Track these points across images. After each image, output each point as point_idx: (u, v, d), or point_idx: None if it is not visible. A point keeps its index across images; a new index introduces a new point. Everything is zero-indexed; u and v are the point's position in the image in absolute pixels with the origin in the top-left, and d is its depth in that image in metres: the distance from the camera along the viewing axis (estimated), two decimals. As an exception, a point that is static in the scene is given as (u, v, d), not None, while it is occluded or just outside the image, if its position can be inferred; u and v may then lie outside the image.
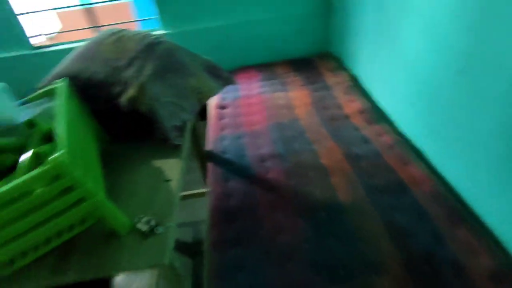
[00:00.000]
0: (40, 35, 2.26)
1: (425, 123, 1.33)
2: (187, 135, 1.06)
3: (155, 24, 2.20)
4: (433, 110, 1.25)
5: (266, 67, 2.20)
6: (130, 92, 0.91)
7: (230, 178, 1.32)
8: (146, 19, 2.35)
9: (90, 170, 0.73)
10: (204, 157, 1.49)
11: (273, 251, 1.02)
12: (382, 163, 1.30)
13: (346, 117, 1.62)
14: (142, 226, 0.74)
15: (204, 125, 1.74)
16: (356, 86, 1.85)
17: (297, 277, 0.95)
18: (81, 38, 2.28)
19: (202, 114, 1.77)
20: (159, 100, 0.93)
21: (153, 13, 2.18)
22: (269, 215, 1.13)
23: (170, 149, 0.95)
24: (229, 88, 2.01)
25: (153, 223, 0.74)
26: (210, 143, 1.55)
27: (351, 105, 1.69)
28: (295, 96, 1.83)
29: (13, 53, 2.04)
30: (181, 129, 0.97)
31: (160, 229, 0.74)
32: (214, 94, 1.12)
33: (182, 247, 1.63)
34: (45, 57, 2.09)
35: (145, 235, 0.73)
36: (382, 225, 1.05)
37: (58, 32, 3.00)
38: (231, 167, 1.38)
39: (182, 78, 1.03)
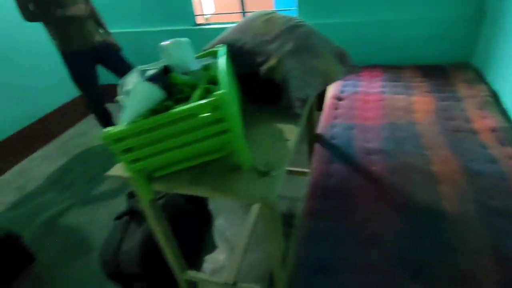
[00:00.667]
0: (200, 15, 2.74)
1: None
2: (307, 108, 1.19)
3: (293, 15, 2.40)
4: None
5: (392, 69, 2.15)
6: (271, 62, 1.09)
7: (334, 161, 1.40)
8: (286, 9, 2.58)
9: (236, 112, 0.93)
10: (313, 140, 1.60)
11: (360, 232, 1.07)
12: (506, 187, 1.17)
13: (473, 132, 1.48)
14: (260, 167, 0.91)
15: (319, 115, 1.85)
16: (494, 102, 1.65)
17: (378, 262, 0.98)
18: (230, 20, 2.67)
19: (319, 104, 1.88)
20: (291, 73, 1.08)
21: (293, 5, 2.37)
22: (364, 201, 1.17)
23: (291, 116, 1.10)
24: (349, 82, 2.08)
25: (269, 166, 0.90)
26: (321, 128, 1.66)
27: (483, 121, 1.53)
28: (417, 101, 1.76)
29: (181, 27, 2.57)
30: (304, 101, 1.11)
31: (273, 172, 0.89)
32: (338, 78, 1.21)
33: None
34: (203, 32, 2.55)
35: (262, 174, 0.90)
36: (488, 244, 0.98)
37: (213, 14, 3.54)
38: (337, 151, 1.46)
39: (313, 58, 1.16)
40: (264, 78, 1.12)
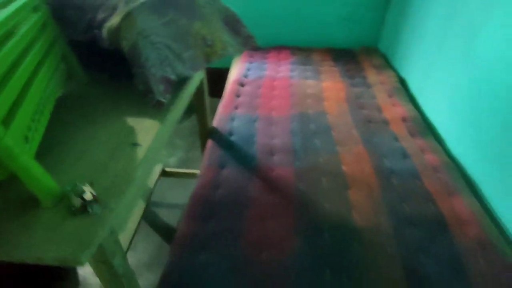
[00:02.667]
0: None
1: (486, 148, 1.02)
2: (184, 97, 0.83)
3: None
4: (499, 134, 0.95)
5: (301, 51, 1.93)
6: (114, 19, 0.69)
7: (226, 165, 1.08)
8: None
9: (17, 116, 0.51)
10: (206, 135, 1.25)
11: (247, 271, 0.77)
12: (420, 188, 1.01)
13: (385, 122, 1.33)
14: (74, 199, 0.51)
15: (216, 102, 1.50)
16: (402, 90, 1.55)
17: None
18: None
19: (215, 90, 1.54)
20: (148, 38, 0.70)
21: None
22: (258, 223, 0.88)
23: (151, 106, 0.72)
24: (254, 65, 1.78)
25: (89, 197, 0.51)
26: (218, 120, 1.31)
27: (393, 110, 1.40)
28: (328, 88, 1.55)
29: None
30: (171, 83, 0.74)
31: (96, 208, 0.51)
32: (227, 53, 0.87)
33: (162, 230, 1.42)
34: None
35: (73, 211, 0.51)
36: (401, 270, 0.77)
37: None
38: (233, 152, 1.14)
39: (188, 19, 0.79)
40: (107, 46, 0.71)
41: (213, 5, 0.86)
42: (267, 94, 1.51)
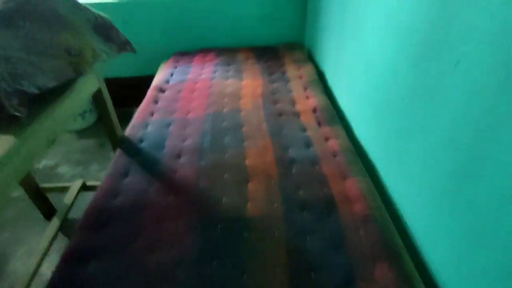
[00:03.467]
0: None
1: (378, 127, 1.08)
2: (59, 108, 0.82)
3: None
4: (387, 112, 1.01)
5: (227, 52, 1.95)
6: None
7: (130, 173, 1.08)
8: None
9: None
10: (116, 146, 1.24)
11: (137, 275, 0.77)
12: (316, 173, 1.05)
13: (296, 114, 1.37)
14: None
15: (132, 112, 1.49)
16: (319, 82, 1.60)
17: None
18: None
19: (142, 99, 1.53)
20: (-7, 53, 0.68)
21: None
22: (153, 225, 0.88)
23: (5, 119, 0.70)
24: (178, 69, 1.79)
25: None
26: (130, 128, 1.31)
27: (306, 102, 1.45)
28: (247, 85, 1.59)
29: None
30: (28, 96, 0.73)
31: None
32: (100, 59, 0.87)
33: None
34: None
35: None
36: (284, 252, 0.81)
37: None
38: (139, 158, 1.14)
39: (50, 30, 0.79)
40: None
41: (79, 14, 0.86)
42: (186, 97, 1.52)
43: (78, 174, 1.80)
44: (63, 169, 1.86)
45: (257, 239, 0.84)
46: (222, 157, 1.13)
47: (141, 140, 1.24)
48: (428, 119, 0.79)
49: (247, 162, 1.10)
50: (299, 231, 0.86)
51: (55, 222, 1.24)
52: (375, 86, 1.08)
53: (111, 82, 1.28)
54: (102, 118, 1.23)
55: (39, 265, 1.09)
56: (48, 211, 1.46)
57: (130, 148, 1.19)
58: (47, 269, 1.26)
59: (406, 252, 0.82)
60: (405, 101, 0.89)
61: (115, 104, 1.26)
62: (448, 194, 0.72)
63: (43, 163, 1.88)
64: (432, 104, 0.77)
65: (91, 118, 2.13)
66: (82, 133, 2.12)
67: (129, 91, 2.00)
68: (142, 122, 1.34)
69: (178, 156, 1.15)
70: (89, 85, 1.03)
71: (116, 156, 1.15)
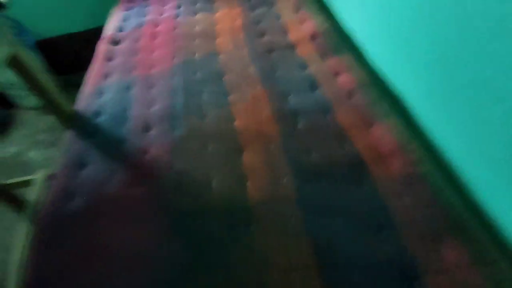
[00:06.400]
0: None
1: (410, 50, 0.78)
2: None
3: None
4: (432, 33, 0.70)
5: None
6: None
7: (88, 162, 0.81)
8: None
9: None
10: (66, 125, 0.95)
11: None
12: (330, 125, 0.79)
13: (291, 46, 1.05)
14: None
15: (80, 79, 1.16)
16: (313, -1, 1.24)
17: None
18: None
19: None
20: None
21: None
22: (114, 235, 0.65)
23: None
24: (133, 12, 1.40)
25: None
26: (81, 100, 1.00)
27: (301, 28, 1.11)
28: (221, 19, 1.23)
29: None
30: None
31: None
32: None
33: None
34: None
35: None
36: (310, 251, 0.58)
37: None
38: (98, 140, 0.86)
39: None
40: None
41: None
42: (147, 46, 1.18)
43: (50, 158, 1.55)
44: (32, 155, 1.60)
45: (268, 235, 0.61)
46: (201, 122, 0.85)
47: (97, 114, 0.95)
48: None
49: (236, 124, 0.83)
50: (323, 213, 0.63)
51: (26, 220, 1.03)
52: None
53: (49, 44, 0.96)
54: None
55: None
56: (19, 207, 1.24)
57: (84, 127, 0.90)
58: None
59: (474, 221, 0.60)
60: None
61: (59, 71, 0.95)
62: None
63: (8, 151, 1.62)
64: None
65: (49, 90, 1.80)
66: (41, 110, 1.81)
67: (75, 52, 1.62)
68: (95, 89, 1.03)
69: (146, 128, 0.87)
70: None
71: (67, 141, 0.88)
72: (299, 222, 0.62)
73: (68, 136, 0.89)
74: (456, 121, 0.67)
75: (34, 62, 0.85)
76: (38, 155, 1.60)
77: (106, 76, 1.08)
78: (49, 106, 0.95)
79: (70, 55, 1.58)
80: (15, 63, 0.82)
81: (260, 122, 0.82)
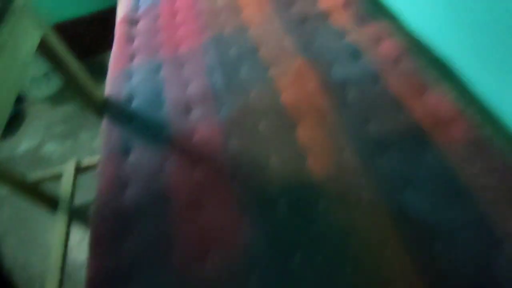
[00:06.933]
0: None
1: (465, 17, 0.75)
2: None
3: None
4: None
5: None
6: None
7: (132, 147, 0.79)
8: None
9: None
10: (98, 112, 0.92)
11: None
12: (382, 94, 0.76)
13: (323, 15, 1.00)
14: None
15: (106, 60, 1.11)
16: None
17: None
18: None
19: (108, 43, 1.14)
20: None
21: None
22: (188, 220, 0.64)
23: None
24: (145, -12, 1.32)
25: None
26: (110, 85, 0.96)
27: (331, -5, 1.06)
28: (244, -10, 1.16)
29: None
30: None
31: None
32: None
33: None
34: None
35: None
36: (389, 224, 0.57)
37: None
38: (137, 125, 0.83)
39: None
40: None
41: None
42: (169, 24, 1.12)
43: (68, 150, 1.51)
44: (49, 148, 1.56)
45: (340, 210, 0.60)
46: (246, 99, 0.82)
47: (130, 99, 0.91)
48: None
49: (282, 98, 0.80)
50: (394, 185, 0.61)
51: (62, 216, 1.01)
52: None
53: (64, 28, 0.90)
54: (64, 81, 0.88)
55: (63, 262, 0.90)
56: (50, 203, 1.22)
57: (119, 114, 0.87)
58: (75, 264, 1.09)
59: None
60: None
61: (80, 56, 0.90)
62: None
63: (23, 147, 1.57)
64: None
65: (58, 79, 1.73)
66: (55, 100, 1.75)
67: (90, 35, 1.55)
68: (123, 72, 0.99)
69: (187, 110, 0.84)
70: (26, 37, 0.67)
71: (105, 130, 0.85)
72: (370, 195, 0.61)
73: (104, 126, 0.86)
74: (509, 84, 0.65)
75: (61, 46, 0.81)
76: (56, 148, 1.56)
77: (131, 58, 1.03)
78: (80, 93, 0.91)
79: (85, 38, 1.51)
80: (44, 48, 0.77)
81: (307, 95, 0.79)
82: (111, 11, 1.28)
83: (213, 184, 0.69)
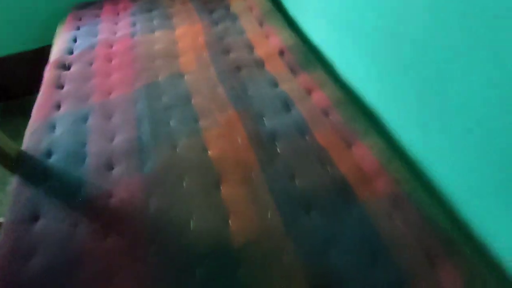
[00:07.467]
0: None
1: (383, 65, 0.77)
2: None
3: None
4: (396, 38, 0.69)
5: (144, -8, 1.44)
6: None
7: (41, 212, 0.71)
8: None
9: None
10: (10, 169, 0.83)
11: None
12: (310, 146, 0.75)
13: (259, 63, 1.01)
14: None
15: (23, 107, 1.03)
16: (277, 13, 1.21)
17: None
18: None
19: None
20: None
21: None
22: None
23: None
24: (83, 30, 1.28)
25: None
26: (30, 136, 0.88)
27: (267, 43, 1.08)
28: (183, 35, 1.16)
29: None
30: None
31: None
32: None
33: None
34: None
35: None
36: (304, 281, 0.54)
37: None
38: (51, 185, 0.75)
39: None
40: None
41: None
42: (102, 69, 1.07)
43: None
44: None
45: (260, 277, 0.56)
46: (173, 152, 0.78)
47: (49, 153, 0.83)
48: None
49: (210, 153, 0.77)
50: (316, 247, 0.59)
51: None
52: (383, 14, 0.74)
53: None
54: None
55: None
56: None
57: (34, 171, 0.79)
58: None
59: (464, 241, 0.59)
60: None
61: (7, 97, 0.82)
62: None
63: None
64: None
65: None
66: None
67: (18, 74, 1.46)
68: (45, 122, 0.91)
69: (109, 166, 0.78)
70: None
71: (14, 190, 0.76)
72: (291, 260, 0.57)
73: (14, 185, 0.77)
74: (436, 141, 0.67)
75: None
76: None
77: (58, 106, 0.97)
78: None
79: (10, 79, 1.41)
80: None
81: (236, 149, 0.76)
82: (43, 52, 1.22)
83: (127, 252, 0.62)
